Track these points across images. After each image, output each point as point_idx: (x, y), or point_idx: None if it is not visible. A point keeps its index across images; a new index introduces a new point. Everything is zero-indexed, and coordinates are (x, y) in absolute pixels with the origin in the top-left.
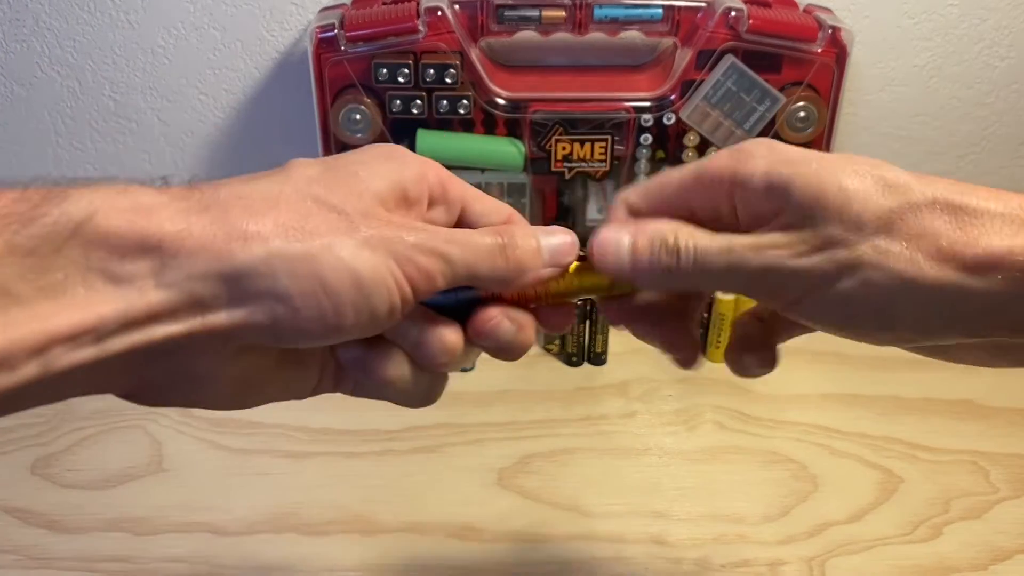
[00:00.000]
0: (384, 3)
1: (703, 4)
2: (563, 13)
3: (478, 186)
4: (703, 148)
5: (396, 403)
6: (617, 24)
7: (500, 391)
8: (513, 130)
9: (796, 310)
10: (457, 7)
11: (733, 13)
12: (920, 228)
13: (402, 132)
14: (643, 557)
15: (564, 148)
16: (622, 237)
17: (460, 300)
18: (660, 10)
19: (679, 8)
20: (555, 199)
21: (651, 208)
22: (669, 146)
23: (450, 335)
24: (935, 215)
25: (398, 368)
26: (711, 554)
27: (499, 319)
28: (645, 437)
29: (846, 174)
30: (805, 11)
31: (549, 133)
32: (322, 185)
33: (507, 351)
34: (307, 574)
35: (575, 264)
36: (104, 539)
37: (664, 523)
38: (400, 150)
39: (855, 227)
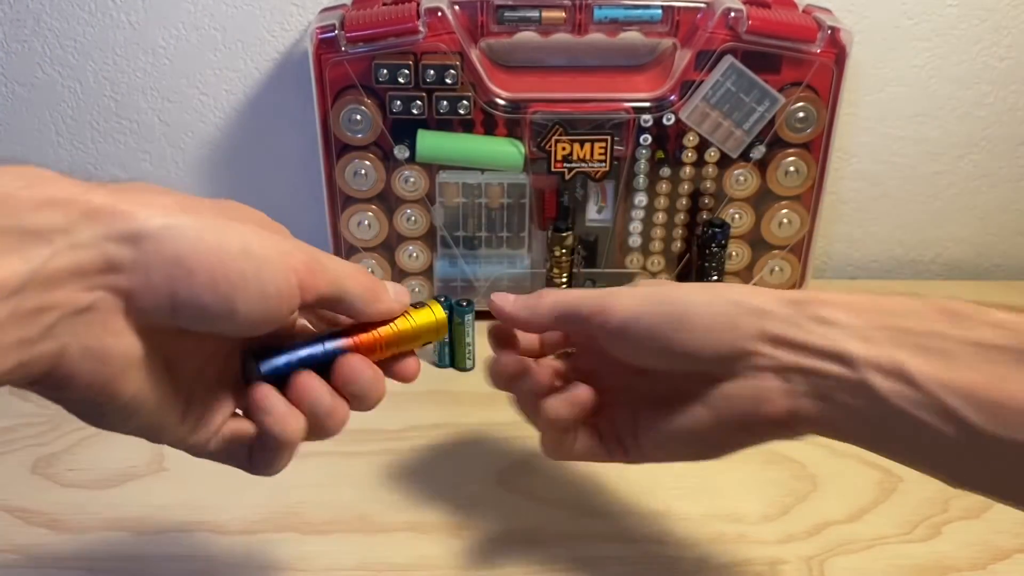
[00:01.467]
0: (384, 4)
1: (703, 5)
2: (563, 14)
3: (478, 186)
4: (702, 148)
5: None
6: (617, 25)
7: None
8: (513, 130)
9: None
10: (457, 8)
11: (733, 14)
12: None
13: (402, 132)
14: (643, 557)
15: (564, 148)
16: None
17: (327, 352)
18: (660, 11)
19: (679, 9)
20: (555, 199)
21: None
22: (669, 146)
23: (295, 422)
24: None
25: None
26: (711, 554)
27: (362, 366)
28: None
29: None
30: (804, 11)
31: (549, 133)
32: (231, 207)
33: (365, 397)
34: (307, 574)
35: (412, 311)
36: (104, 539)
37: (664, 523)
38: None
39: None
